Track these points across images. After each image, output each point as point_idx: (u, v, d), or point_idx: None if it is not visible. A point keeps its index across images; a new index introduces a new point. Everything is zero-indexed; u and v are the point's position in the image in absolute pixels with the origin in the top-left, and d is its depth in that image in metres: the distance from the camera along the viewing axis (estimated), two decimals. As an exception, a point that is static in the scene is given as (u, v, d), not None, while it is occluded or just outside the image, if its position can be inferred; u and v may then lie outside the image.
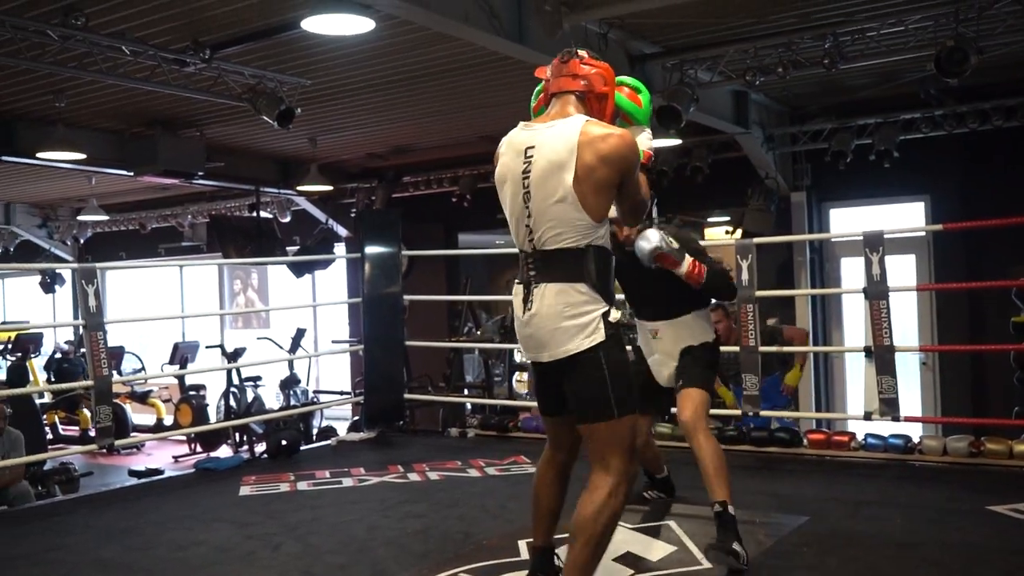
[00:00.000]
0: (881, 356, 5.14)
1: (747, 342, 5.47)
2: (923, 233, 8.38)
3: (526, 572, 3.25)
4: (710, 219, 10.94)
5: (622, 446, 2.82)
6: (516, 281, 2.94)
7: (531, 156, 2.81)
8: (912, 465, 5.38)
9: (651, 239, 3.79)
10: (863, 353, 5.26)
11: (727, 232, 9.87)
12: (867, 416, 5.24)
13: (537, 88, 3.22)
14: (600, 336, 2.78)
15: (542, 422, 3.18)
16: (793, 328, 6.95)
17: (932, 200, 8.72)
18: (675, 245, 3.85)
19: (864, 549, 3.79)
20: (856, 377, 8.16)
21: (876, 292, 5.17)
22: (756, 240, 5.79)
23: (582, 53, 2.98)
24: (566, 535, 2.87)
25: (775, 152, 8.90)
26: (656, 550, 3.83)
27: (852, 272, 8.86)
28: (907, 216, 8.90)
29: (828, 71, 6.62)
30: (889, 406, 5.13)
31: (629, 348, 3.14)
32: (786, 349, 6.37)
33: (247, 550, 4.03)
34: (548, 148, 2.79)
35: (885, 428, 5.52)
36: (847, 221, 9.28)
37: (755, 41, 6.57)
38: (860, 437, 5.69)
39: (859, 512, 4.41)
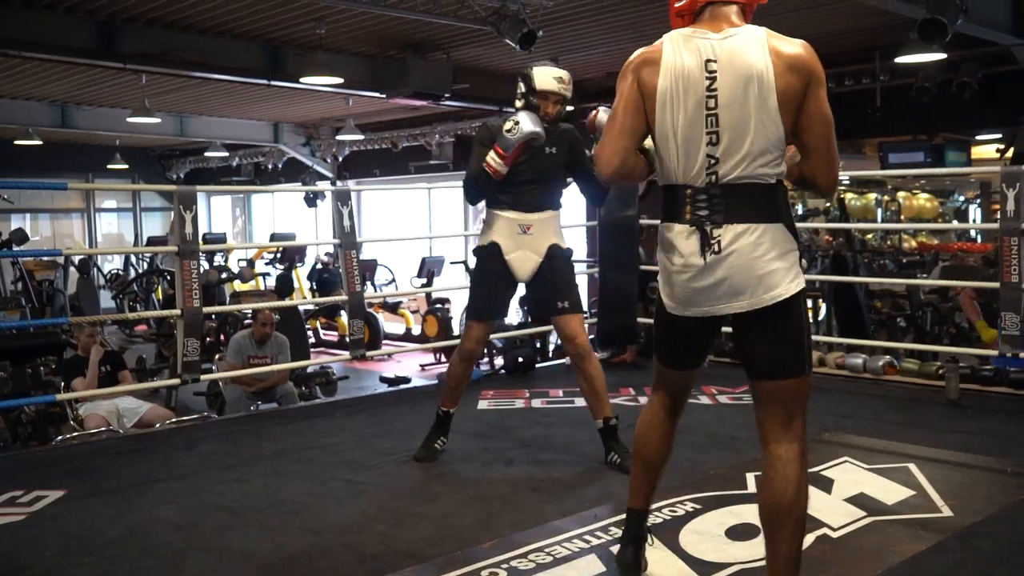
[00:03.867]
0: None
1: (1009, 278, 5.04)
2: None
3: (622, 534, 2.92)
4: (977, 136, 10.11)
5: (804, 407, 2.49)
6: (674, 221, 2.49)
7: (714, 69, 2.39)
8: None
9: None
10: None
11: (997, 151, 9.08)
12: None
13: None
14: (802, 281, 2.46)
15: (661, 374, 2.76)
16: None
17: None
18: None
19: None
20: None
21: None
22: (1025, 167, 5.28)
23: None
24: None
25: (1059, 64, 8.04)
26: (892, 493, 3.69)
27: None
28: None
29: None
30: None
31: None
32: None
33: (483, 461, 4.25)
34: (738, 58, 2.38)
35: None
36: None
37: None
38: None
39: None
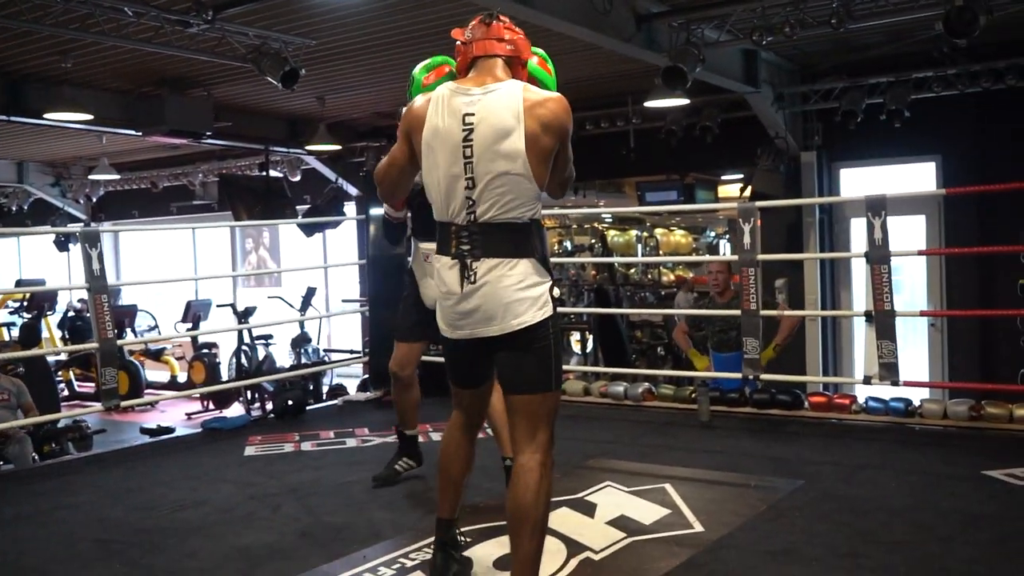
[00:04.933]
0: (882, 321, 5.13)
1: (748, 306, 5.46)
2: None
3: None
4: (723, 176, 10.89)
5: (550, 421, 2.78)
6: (442, 254, 2.80)
7: (471, 123, 2.70)
8: (912, 429, 5.40)
9: None
10: (863, 317, 5.26)
11: (740, 190, 9.83)
12: (866, 380, 5.24)
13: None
14: (549, 310, 2.75)
15: (455, 392, 3.04)
16: (787, 314, 6.82)
17: (943, 160, 8.63)
18: None
19: (857, 514, 3.82)
20: (862, 341, 8.16)
21: (878, 256, 5.15)
22: (759, 204, 5.75)
23: (504, 17, 2.89)
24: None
25: (785, 111, 8.81)
26: (650, 513, 3.87)
27: (862, 232, 8.80)
28: (918, 176, 8.83)
29: (836, 30, 6.53)
30: (888, 371, 5.13)
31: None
32: (779, 312, 6.34)
33: (247, 511, 4.10)
34: (493, 115, 2.69)
35: (887, 391, 5.52)
36: (858, 181, 9.20)
37: (762, 0, 6.48)
38: (862, 400, 5.70)
39: (855, 476, 4.44)
